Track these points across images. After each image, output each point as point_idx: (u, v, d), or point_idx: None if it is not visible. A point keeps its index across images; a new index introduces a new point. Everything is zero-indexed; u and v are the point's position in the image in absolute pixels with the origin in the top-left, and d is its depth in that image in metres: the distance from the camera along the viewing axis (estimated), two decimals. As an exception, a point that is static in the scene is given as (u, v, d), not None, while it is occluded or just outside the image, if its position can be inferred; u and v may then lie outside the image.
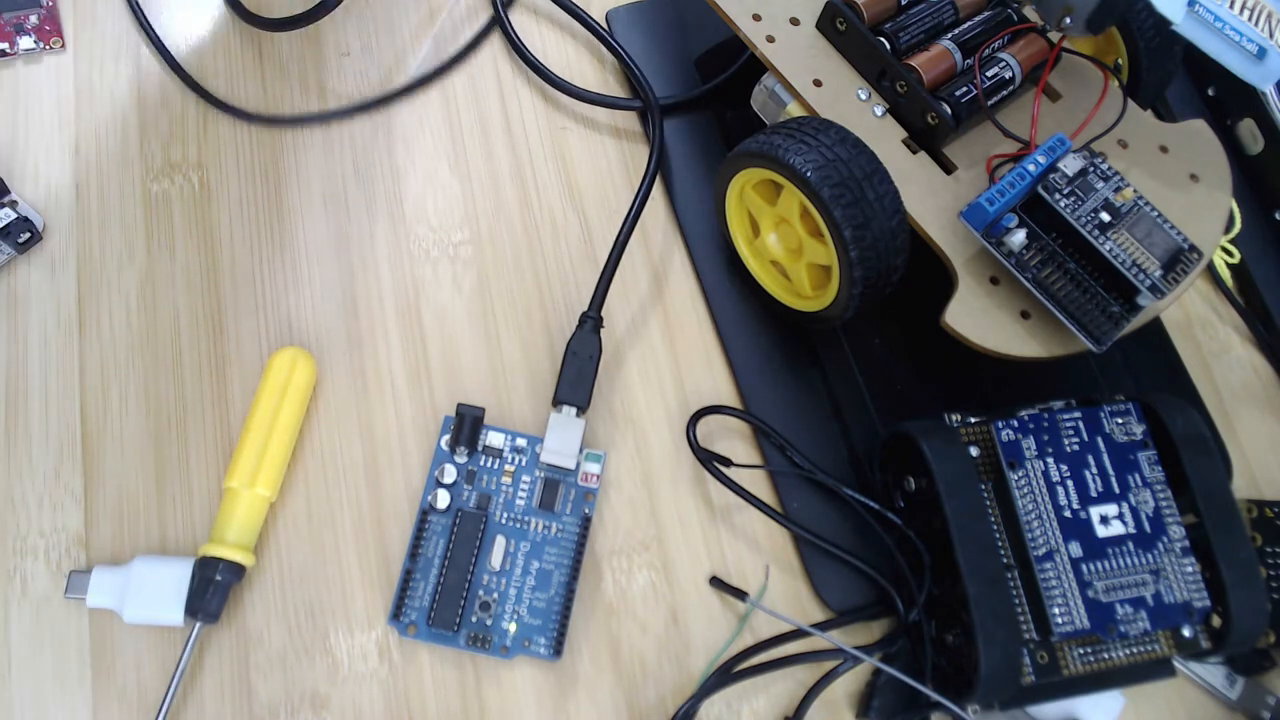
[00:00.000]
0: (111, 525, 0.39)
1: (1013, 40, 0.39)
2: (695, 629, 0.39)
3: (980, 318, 0.36)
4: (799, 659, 0.37)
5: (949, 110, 0.37)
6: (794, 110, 0.40)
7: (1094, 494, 0.35)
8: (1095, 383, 0.43)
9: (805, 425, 0.42)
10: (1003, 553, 0.34)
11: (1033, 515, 0.34)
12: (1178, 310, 0.47)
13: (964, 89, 0.38)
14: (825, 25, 0.40)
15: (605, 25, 0.49)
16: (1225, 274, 0.47)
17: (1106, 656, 0.34)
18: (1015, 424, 0.36)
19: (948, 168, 0.38)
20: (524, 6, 0.50)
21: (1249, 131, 0.48)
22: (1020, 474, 0.35)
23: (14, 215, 0.41)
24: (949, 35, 0.39)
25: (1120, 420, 0.36)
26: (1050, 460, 0.35)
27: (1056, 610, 0.33)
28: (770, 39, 0.40)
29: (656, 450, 0.42)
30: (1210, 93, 0.49)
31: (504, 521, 0.39)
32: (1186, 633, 0.34)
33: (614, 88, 0.49)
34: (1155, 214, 0.36)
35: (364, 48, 0.48)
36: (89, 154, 0.45)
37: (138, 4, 0.47)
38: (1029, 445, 0.35)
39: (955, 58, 0.38)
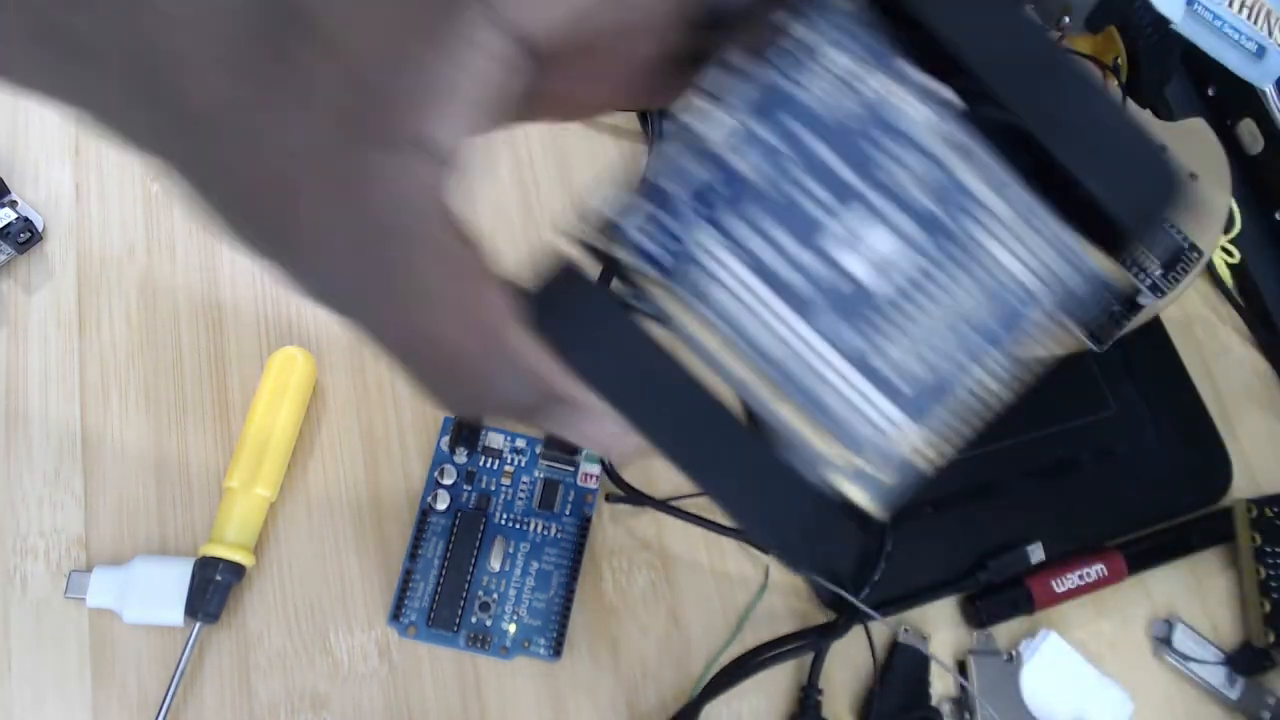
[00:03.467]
0: (111, 525, 0.39)
1: (1012, 40, 0.39)
2: (695, 629, 0.39)
3: (980, 317, 0.36)
4: (789, 654, 0.38)
5: (948, 110, 0.37)
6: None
7: (826, 219, 0.18)
8: (1095, 382, 0.43)
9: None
10: (751, 390, 0.19)
11: (749, 328, 0.18)
12: (1178, 310, 0.46)
13: (963, 88, 0.38)
14: (825, 25, 0.40)
15: (605, 26, 0.49)
16: (1225, 274, 0.47)
17: (965, 416, 0.19)
18: (651, 196, 0.18)
19: (947, 167, 0.38)
20: (524, 7, 0.50)
21: (1249, 131, 0.48)
22: (694, 269, 0.18)
23: (14, 215, 0.41)
24: (948, 35, 0.39)
25: (808, 66, 0.18)
26: (731, 214, 0.18)
27: (845, 433, 0.18)
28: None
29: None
30: (1210, 92, 0.49)
31: (503, 522, 0.39)
32: (1070, 301, 0.19)
33: (614, 88, 0.49)
34: (1155, 213, 0.36)
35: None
36: (89, 154, 0.45)
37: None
38: (688, 214, 0.18)
39: (955, 57, 0.38)
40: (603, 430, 0.20)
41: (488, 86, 0.17)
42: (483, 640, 0.37)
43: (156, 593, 0.36)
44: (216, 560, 0.36)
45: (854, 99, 0.18)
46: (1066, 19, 0.36)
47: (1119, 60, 0.42)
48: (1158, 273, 0.35)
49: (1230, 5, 0.34)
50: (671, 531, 0.40)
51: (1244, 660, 0.40)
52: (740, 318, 0.18)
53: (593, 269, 0.19)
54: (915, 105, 0.18)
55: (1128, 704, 0.38)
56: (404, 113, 0.16)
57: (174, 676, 0.36)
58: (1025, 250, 0.18)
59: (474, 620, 0.37)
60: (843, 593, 0.37)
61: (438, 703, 0.37)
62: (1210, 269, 0.47)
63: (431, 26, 0.16)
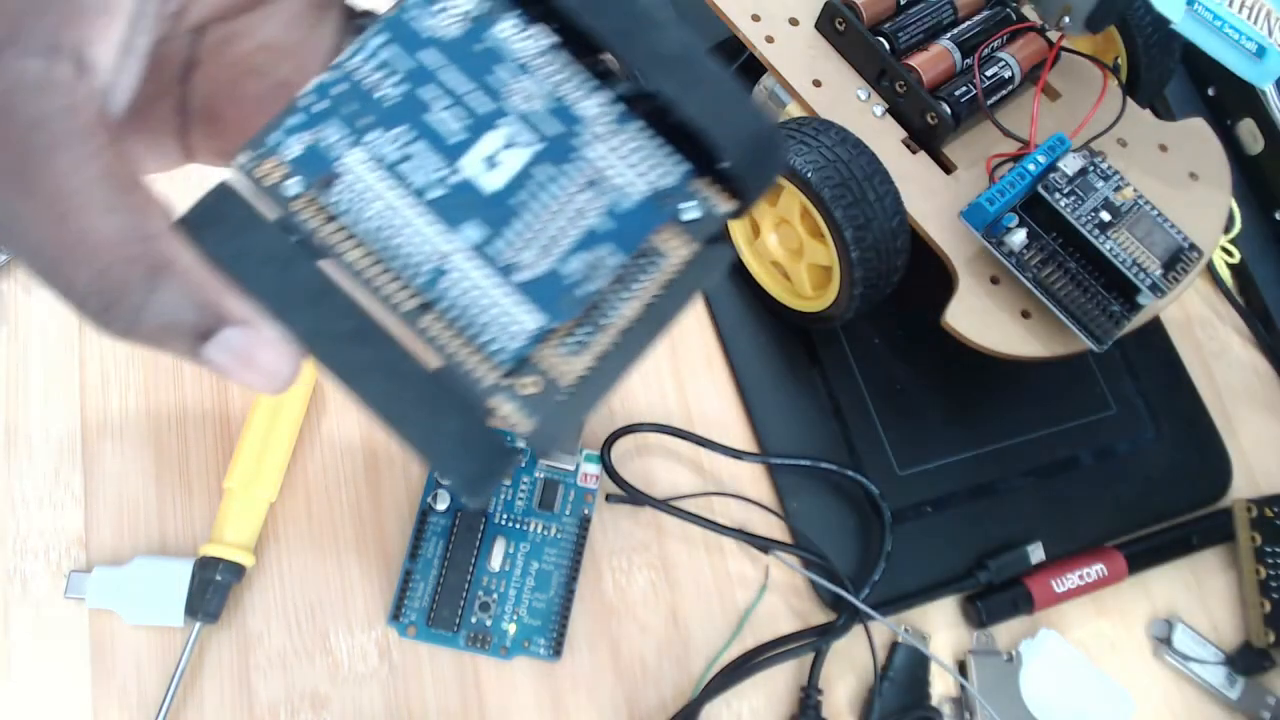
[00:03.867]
0: (111, 525, 0.39)
1: (1012, 39, 0.39)
2: (695, 629, 0.39)
3: (981, 317, 0.36)
4: (789, 654, 0.38)
5: (948, 110, 0.37)
6: (793, 111, 0.40)
7: (457, 138, 0.21)
8: (1095, 382, 0.43)
9: (805, 425, 0.42)
10: (398, 303, 0.20)
11: (386, 232, 0.21)
12: (1178, 310, 0.47)
13: (963, 88, 0.38)
14: (824, 25, 0.40)
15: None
16: (1225, 274, 0.47)
17: (606, 322, 0.21)
18: (299, 119, 0.21)
19: (947, 168, 0.38)
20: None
21: (1249, 131, 0.48)
22: (339, 185, 0.21)
23: (14, 216, 0.41)
24: (948, 35, 0.39)
25: (437, 6, 0.22)
26: (373, 134, 0.21)
27: (489, 340, 0.20)
28: (769, 39, 0.40)
29: (656, 450, 0.42)
30: (1210, 92, 0.49)
31: (503, 522, 0.39)
32: (689, 213, 0.21)
33: (614, 88, 0.49)
34: (1155, 213, 0.36)
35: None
36: (89, 154, 0.45)
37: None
38: (333, 134, 0.21)
39: (954, 57, 0.38)
40: (265, 355, 0.19)
41: (139, 2, 0.18)
42: (483, 640, 0.37)
43: (156, 593, 0.36)
44: (216, 560, 0.36)
45: (463, 26, 0.21)
46: (1066, 19, 0.36)
47: (1119, 60, 0.42)
48: (1158, 272, 0.35)
49: (1230, 5, 0.34)
50: (671, 531, 0.40)
51: (1244, 660, 0.40)
52: (376, 222, 0.20)
53: (250, 194, 0.20)
54: (524, 39, 0.21)
55: (1128, 704, 0.38)
56: (54, 22, 0.17)
57: (174, 676, 0.36)
58: (631, 156, 0.21)
59: (474, 620, 0.37)
60: (843, 593, 0.37)
61: (438, 703, 0.37)
62: (1210, 269, 0.47)
63: None
